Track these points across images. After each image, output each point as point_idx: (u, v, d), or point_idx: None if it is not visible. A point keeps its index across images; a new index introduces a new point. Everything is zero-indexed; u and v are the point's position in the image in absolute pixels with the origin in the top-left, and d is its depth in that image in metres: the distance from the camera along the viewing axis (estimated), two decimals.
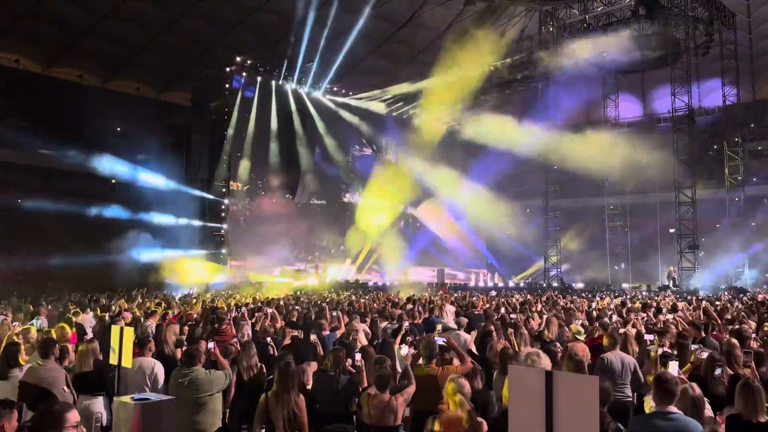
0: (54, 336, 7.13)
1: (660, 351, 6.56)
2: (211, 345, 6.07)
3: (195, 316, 11.30)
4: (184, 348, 6.95)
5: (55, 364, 5.59)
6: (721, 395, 5.12)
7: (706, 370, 5.45)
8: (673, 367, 5.22)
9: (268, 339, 7.66)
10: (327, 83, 33.29)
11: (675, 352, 6.64)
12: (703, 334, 8.01)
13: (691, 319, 10.17)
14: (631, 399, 6.34)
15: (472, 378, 5.35)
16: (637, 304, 14.74)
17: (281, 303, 14.50)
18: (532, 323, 9.68)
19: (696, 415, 4.11)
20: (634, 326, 9.40)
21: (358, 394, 5.31)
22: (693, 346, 6.49)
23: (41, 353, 5.64)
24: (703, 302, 13.64)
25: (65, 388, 5.40)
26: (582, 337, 7.73)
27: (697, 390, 4.37)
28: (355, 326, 8.54)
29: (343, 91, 34.66)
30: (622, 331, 8.50)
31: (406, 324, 9.45)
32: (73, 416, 3.06)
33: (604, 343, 6.73)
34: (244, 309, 12.00)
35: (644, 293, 24.98)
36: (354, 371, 5.80)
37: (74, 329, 8.86)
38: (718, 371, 5.14)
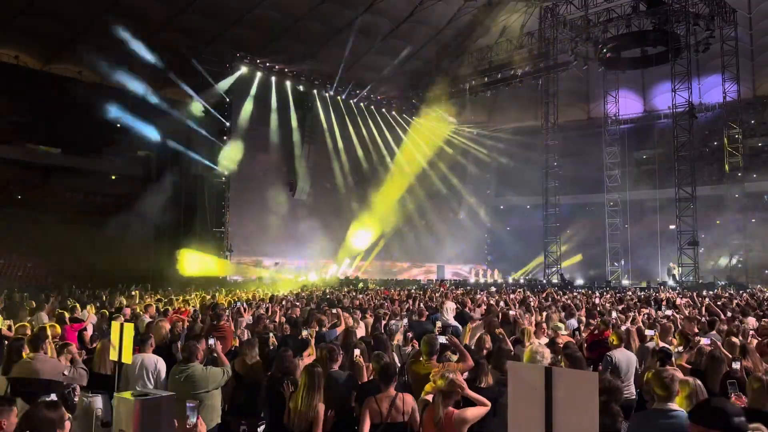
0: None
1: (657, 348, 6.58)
2: (211, 341, 6.07)
3: (192, 311, 11.30)
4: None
5: (45, 356, 5.58)
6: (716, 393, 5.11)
7: (707, 367, 5.45)
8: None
9: (270, 335, 7.66)
10: (327, 80, 33.27)
11: (680, 349, 6.64)
12: (696, 329, 8.04)
13: (687, 315, 10.20)
14: (635, 397, 6.36)
15: (480, 374, 5.35)
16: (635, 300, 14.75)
17: (282, 300, 14.53)
18: (526, 322, 9.67)
19: None
20: (634, 322, 9.42)
21: (357, 389, 5.31)
22: (698, 338, 6.51)
23: (32, 347, 5.64)
24: (705, 299, 13.65)
25: (66, 372, 5.41)
26: (562, 332, 7.77)
27: (698, 381, 4.36)
28: (351, 322, 8.57)
29: (342, 88, 34.61)
30: (623, 327, 8.54)
31: (405, 321, 9.47)
32: (61, 413, 3.01)
33: (612, 341, 6.74)
34: (239, 304, 12.02)
35: (644, 290, 24.97)
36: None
37: (71, 324, 8.87)
38: (736, 365, 5.11)
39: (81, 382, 5.46)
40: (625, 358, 6.40)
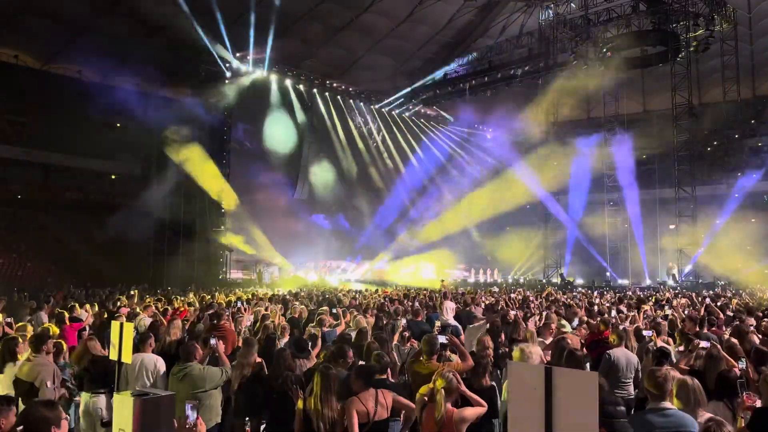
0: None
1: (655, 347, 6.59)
2: (213, 341, 6.04)
3: (193, 311, 11.30)
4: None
5: (45, 358, 5.57)
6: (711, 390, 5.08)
7: (706, 366, 5.44)
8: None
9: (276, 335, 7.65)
10: (327, 80, 33.32)
11: (680, 348, 6.65)
12: (697, 328, 8.04)
13: (684, 314, 10.22)
14: (633, 397, 6.35)
15: (479, 375, 5.34)
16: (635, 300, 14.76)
17: (282, 299, 14.53)
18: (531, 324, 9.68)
19: (698, 404, 4.08)
20: (633, 322, 9.43)
21: None
22: (696, 341, 6.51)
23: (33, 348, 5.63)
24: (707, 299, 13.65)
25: (48, 383, 5.37)
26: (567, 329, 7.79)
27: (695, 380, 4.36)
28: (362, 322, 8.57)
29: (343, 88, 34.65)
30: (621, 327, 8.54)
31: (403, 321, 9.47)
32: (58, 413, 3.00)
33: (611, 340, 6.75)
34: (240, 304, 12.02)
35: (644, 290, 24.98)
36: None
37: (71, 324, 8.89)
38: (742, 364, 5.10)
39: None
40: (624, 357, 6.40)
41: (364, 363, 4.86)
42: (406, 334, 7.84)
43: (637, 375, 6.40)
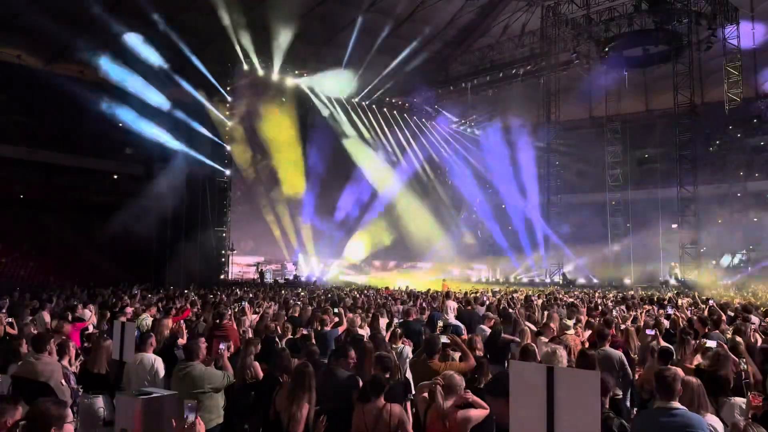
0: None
1: (658, 347, 6.57)
2: (222, 346, 6.02)
3: (195, 310, 11.33)
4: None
5: (50, 357, 5.57)
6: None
7: (714, 365, 5.43)
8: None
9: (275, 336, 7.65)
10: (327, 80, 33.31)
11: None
12: (707, 329, 8.03)
13: (689, 315, 10.22)
14: (621, 397, 6.32)
15: (482, 374, 5.34)
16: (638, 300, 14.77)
17: (284, 299, 14.55)
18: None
19: (701, 407, 4.08)
20: (635, 321, 9.43)
21: (358, 389, 5.29)
22: (703, 340, 6.51)
23: (36, 347, 5.62)
24: (710, 301, 13.63)
25: (63, 381, 5.39)
26: (571, 331, 7.77)
27: (697, 381, 4.37)
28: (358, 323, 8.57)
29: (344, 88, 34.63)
30: (623, 326, 8.53)
31: (396, 321, 9.48)
32: (63, 414, 2.97)
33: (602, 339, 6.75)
34: (244, 304, 12.04)
35: (646, 290, 24.96)
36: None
37: (74, 323, 8.90)
38: (743, 364, 5.11)
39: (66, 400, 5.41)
40: (601, 356, 6.36)
41: (375, 374, 4.82)
42: (398, 331, 7.84)
43: (626, 374, 6.33)
